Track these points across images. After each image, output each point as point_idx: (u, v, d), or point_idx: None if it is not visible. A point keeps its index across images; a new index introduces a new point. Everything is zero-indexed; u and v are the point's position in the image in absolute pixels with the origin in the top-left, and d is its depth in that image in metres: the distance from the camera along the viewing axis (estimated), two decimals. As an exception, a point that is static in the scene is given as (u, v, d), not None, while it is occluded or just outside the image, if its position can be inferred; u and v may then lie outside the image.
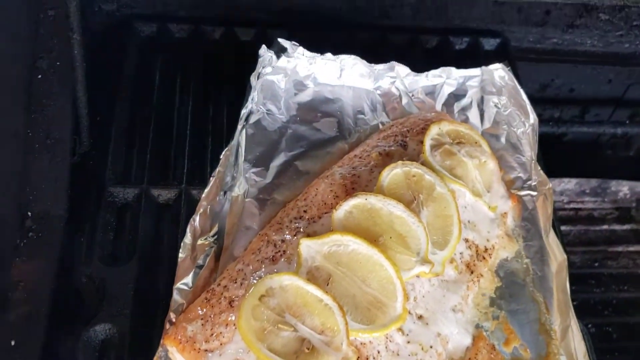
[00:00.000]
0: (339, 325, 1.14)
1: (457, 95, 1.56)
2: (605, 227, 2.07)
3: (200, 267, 1.27)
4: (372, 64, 1.52)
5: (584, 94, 2.00)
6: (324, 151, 1.47)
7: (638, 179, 2.04)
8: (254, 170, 1.40)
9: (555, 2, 1.70)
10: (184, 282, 1.24)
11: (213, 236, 1.32)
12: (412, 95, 1.55)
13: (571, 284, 1.35)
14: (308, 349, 1.12)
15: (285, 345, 1.12)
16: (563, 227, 2.06)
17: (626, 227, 2.07)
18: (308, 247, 1.22)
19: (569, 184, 2.03)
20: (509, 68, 1.52)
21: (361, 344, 1.16)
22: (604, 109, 2.03)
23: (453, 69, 1.56)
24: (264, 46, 1.49)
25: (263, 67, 1.47)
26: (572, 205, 2.10)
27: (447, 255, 1.28)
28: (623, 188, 2.07)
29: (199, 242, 1.29)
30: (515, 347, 1.29)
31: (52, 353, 1.20)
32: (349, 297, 1.18)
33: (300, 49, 1.49)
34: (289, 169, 1.43)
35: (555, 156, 1.85)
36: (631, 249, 2.02)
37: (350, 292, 1.19)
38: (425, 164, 1.36)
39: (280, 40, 1.49)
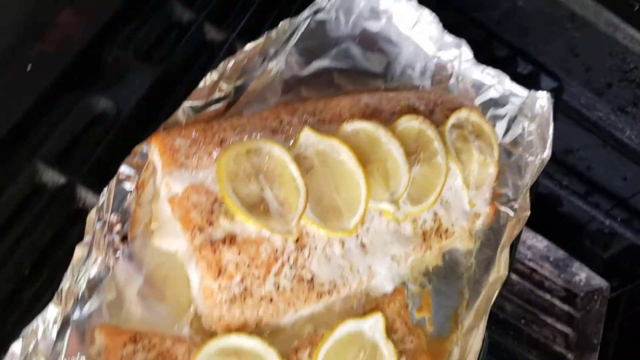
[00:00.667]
0: (298, 205, 1.24)
1: (496, 103, 1.65)
2: (548, 297, 2.17)
3: (215, 102, 1.35)
4: (445, 31, 1.59)
5: (597, 177, 2.09)
6: (362, 79, 1.56)
7: (597, 273, 2.14)
8: (296, 57, 1.49)
9: (621, 79, 1.78)
10: (193, 104, 1.33)
11: (236, 87, 1.40)
12: (460, 80, 1.64)
13: (491, 324, 1.43)
14: (263, 208, 1.22)
15: (247, 196, 1.22)
16: (514, 277, 2.17)
17: (565, 308, 2.17)
18: (308, 136, 1.31)
19: (539, 242, 2.13)
20: (552, 100, 1.61)
21: (305, 232, 1.25)
22: (606, 200, 2.12)
23: (507, 79, 1.64)
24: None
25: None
26: (531, 264, 2.20)
27: (413, 212, 1.37)
28: (582, 274, 2.16)
29: (223, 82, 1.37)
30: (424, 317, 1.39)
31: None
32: (317, 193, 1.27)
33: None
34: (325, 75, 1.52)
35: (543, 210, 1.95)
36: (558, 326, 2.12)
37: (321, 189, 1.28)
38: (440, 134, 1.45)
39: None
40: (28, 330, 1.02)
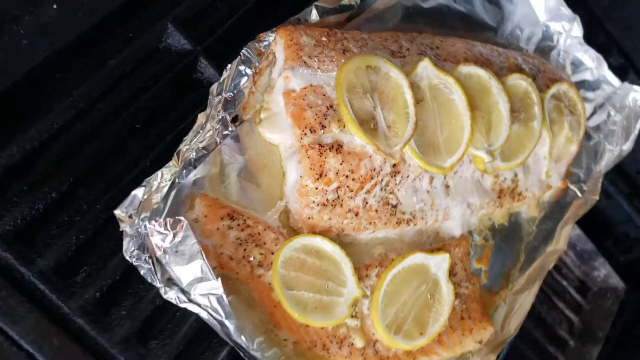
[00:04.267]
0: (405, 132, 1.26)
1: (589, 85, 1.67)
2: (564, 283, 2.24)
3: (341, 9, 1.35)
4: (563, 3, 1.60)
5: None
6: (475, 27, 1.57)
7: (618, 272, 2.21)
8: (423, -10, 1.49)
9: None
10: (322, 5, 1.32)
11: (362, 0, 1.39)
12: (561, 54, 1.65)
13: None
14: (373, 126, 1.24)
15: (360, 109, 1.23)
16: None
17: (577, 297, 2.24)
18: (425, 68, 1.33)
19: (573, 230, 2.18)
20: (642, 94, 1.63)
21: (403, 159, 1.28)
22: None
23: (605, 66, 1.66)
24: None
25: None
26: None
27: (501, 167, 1.41)
28: (602, 271, 2.23)
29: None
30: (482, 268, 1.45)
31: None
32: (423, 125, 1.29)
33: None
34: (444, 13, 1.53)
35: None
36: (567, 312, 2.19)
37: (427, 123, 1.30)
38: (541, 100, 1.47)
39: None
40: (149, 180, 1.05)
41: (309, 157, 1.20)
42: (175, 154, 1.09)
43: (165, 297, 1.06)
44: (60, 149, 1.11)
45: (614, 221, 2.25)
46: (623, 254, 2.34)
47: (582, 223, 2.19)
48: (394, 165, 1.27)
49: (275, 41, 1.27)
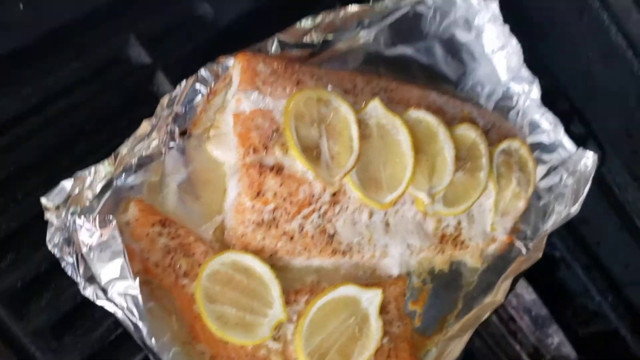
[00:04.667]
0: (347, 164, 1.30)
1: (545, 148, 1.71)
2: (517, 348, 2.24)
3: (302, 45, 1.41)
4: (524, 65, 1.66)
5: (602, 255, 2.14)
6: (436, 79, 1.62)
7: (571, 342, 2.20)
8: (386, 36, 1.54)
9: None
10: (283, 40, 1.38)
11: (325, 40, 1.45)
12: (520, 115, 1.70)
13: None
14: (316, 154, 1.28)
15: (305, 137, 1.28)
16: (492, 318, 2.23)
17: (529, 364, 2.24)
18: (375, 107, 1.38)
19: (528, 294, 2.19)
20: (597, 163, 1.66)
21: (343, 190, 1.31)
22: (603, 279, 2.18)
23: (562, 130, 1.69)
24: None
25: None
26: (512, 312, 2.26)
27: (443, 212, 1.44)
28: (555, 339, 2.23)
29: (316, 31, 1.42)
30: (416, 310, 1.46)
31: None
32: (366, 160, 1.34)
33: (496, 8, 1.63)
34: (405, 62, 1.58)
35: (542, 265, 2.01)
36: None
37: (371, 158, 1.34)
38: (489, 153, 1.51)
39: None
40: (80, 174, 1.08)
41: (248, 176, 1.23)
42: (112, 154, 1.13)
43: (83, 292, 1.08)
44: (5, 141, 1.14)
45: (572, 291, 2.25)
46: (581, 326, 2.33)
47: (540, 288, 2.21)
48: (334, 194, 1.31)
49: (234, 65, 1.32)
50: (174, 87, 1.30)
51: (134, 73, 1.27)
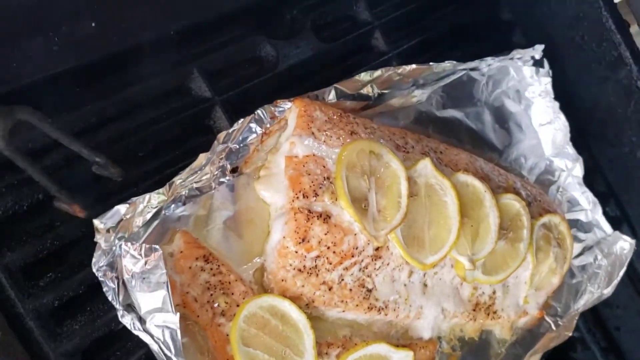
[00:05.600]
0: (394, 221, 1.28)
1: (581, 226, 1.70)
2: None
3: (357, 97, 1.42)
4: (570, 143, 1.67)
5: (621, 341, 2.10)
6: (482, 145, 1.63)
7: None
8: (438, 97, 1.56)
9: None
10: (340, 89, 1.39)
11: (380, 94, 1.46)
12: (560, 190, 1.70)
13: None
14: (364, 206, 1.27)
15: (355, 188, 1.27)
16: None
17: None
18: (425, 166, 1.37)
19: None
20: (634, 250, 1.65)
21: (387, 246, 1.30)
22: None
23: (600, 211, 1.70)
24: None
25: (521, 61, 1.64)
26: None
27: (481, 279, 1.42)
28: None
29: (372, 85, 1.44)
30: (444, 376, 1.42)
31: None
32: (412, 218, 1.32)
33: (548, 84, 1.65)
34: (454, 125, 1.60)
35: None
36: None
37: (416, 217, 1.33)
38: (531, 225, 1.50)
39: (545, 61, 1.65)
40: (134, 200, 1.07)
41: (296, 220, 1.22)
42: (167, 184, 1.12)
43: (121, 320, 1.05)
44: (59, 157, 1.14)
45: (586, 373, 2.20)
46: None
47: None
48: (377, 249, 1.29)
49: (290, 109, 1.33)
50: (230, 122, 1.31)
51: (193, 105, 1.27)
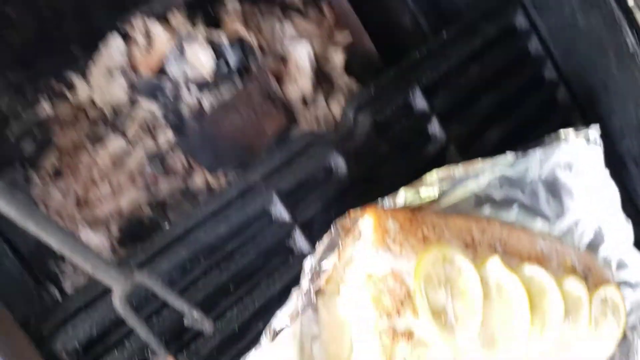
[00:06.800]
0: (470, 326, 1.34)
1: (629, 284, 1.76)
2: None
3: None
4: (619, 209, 1.71)
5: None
6: (534, 214, 1.67)
7: None
8: (495, 181, 1.59)
9: None
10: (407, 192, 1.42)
11: (443, 190, 1.49)
12: (609, 254, 1.75)
13: None
14: (443, 319, 1.32)
15: (433, 300, 1.31)
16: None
17: None
18: (495, 264, 1.42)
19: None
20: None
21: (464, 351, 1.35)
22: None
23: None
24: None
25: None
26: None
27: (548, 366, 1.48)
28: None
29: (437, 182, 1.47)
30: None
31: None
32: (485, 320, 1.37)
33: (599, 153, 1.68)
34: (509, 204, 1.63)
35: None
36: None
37: (489, 318, 1.38)
38: (589, 303, 1.56)
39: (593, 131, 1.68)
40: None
41: (382, 343, 1.27)
42: (269, 330, 1.16)
43: None
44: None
45: None
46: None
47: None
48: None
49: (363, 219, 1.36)
50: (310, 241, 1.34)
51: (274, 231, 1.31)
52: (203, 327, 1.12)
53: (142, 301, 1.15)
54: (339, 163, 1.40)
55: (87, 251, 0.89)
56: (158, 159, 1.72)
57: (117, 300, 0.98)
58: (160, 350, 1.09)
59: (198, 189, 1.69)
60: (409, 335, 1.29)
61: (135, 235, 1.65)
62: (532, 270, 1.47)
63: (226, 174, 1.67)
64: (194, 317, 1.10)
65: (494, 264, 1.42)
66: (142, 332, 1.08)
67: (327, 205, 1.36)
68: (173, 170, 1.72)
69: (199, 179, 1.72)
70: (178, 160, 1.72)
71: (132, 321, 1.05)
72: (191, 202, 1.65)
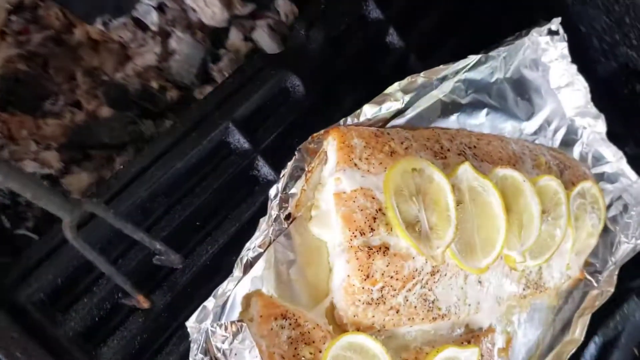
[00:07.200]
0: (446, 234, 1.32)
1: (607, 177, 1.75)
2: None
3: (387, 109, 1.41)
4: (590, 102, 1.68)
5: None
6: (504, 116, 1.64)
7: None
8: (461, 85, 1.55)
9: None
10: (371, 107, 1.39)
11: (408, 100, 1.45)
12: (584, 147, 1.73)
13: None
14: (417, 229, 1.30)
15: (405, 212, 1.30)
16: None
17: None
18: (465, 171, 1.39)
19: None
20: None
21: (444, 261, 1.35)
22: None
23: (624, 160, 1.74)
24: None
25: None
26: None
27: (530, 265, 1.48)
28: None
29: (400, 93, 1.43)
30: (503, 357, 1.52)
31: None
32: (462, 227, 1.36)
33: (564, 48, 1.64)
34: (479, 108, 1.60)
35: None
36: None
37: (465, 224, 1.37)
38: (567, 199, 1.55)
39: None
40: (218, 292, 1.10)
41: (357, 259, 1.26)
42: (239, 261, 1.14)
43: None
44: (119, 249, 1.15)
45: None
46: None
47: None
48: (435, 265, 1.34)
49: (328, 141, 1.33)
50: (274, 169, 1.31)
51: (236, 162, 1.27)
52: (172, 262, 1.10)
53: (106, 244, 1.12)
54: (295, 83, 1.35)
55: (30, 180, 0.86)
56: (28, 11, 1.59)
57: (68, 231, 0.95)
58: (127, 285, 1.06)
59: (79, 42, 1.55)
60: (385, 250, 1.28)
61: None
62: (505, 172, 1.45)
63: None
64: (158, 249, 1.07)
65: (465, 171, 1.39)
66: (102, 265, 1.05)
67: (288, 129, 1.32)
68: (47, 23, 1.61)
69: (80, 32, 1.59)
70: (52, 13, 1.59)
71: (88, 253, 1.02)
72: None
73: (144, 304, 1.10)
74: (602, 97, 1.71)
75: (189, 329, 1.08)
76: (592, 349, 1.60)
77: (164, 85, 1.51)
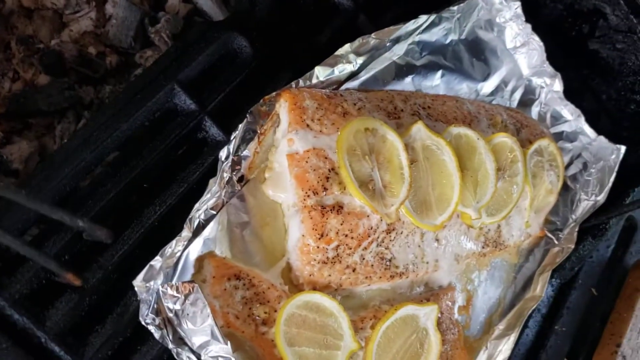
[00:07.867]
0: (400, 192, 1.33)
1: (566, 136, 1.76)
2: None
3: (340, 71, 1.41)
4: (546, 62, 1.69)
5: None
6: (463, 81, 1.65)
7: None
8: (415, 47, 1.56)
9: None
10: (324, 69, 1.39)
11: (361, 62, 1.46)
12: (542, 107, 1.75)
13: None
14: (371, 187, 1.31)
15: (359, 171, 1.30)
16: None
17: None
18: (419, 130, 1.40)
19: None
20: (623, 154, 1.73)
21: (398, 218, 1.35)
22: None
23: (582, 119, 1.75)
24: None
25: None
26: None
27: (487, 222, 1.49)
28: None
29: (353, 55, 1.43)
30: (464, 315, 1.53)
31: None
32: (416, 185, 1.37)
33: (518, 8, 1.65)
34: (434, 69, 1.60)
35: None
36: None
37: (419, 183, 1.38)
38: (524, 157, 1.56)
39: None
40: (166, 251, 1.10)
41: (311, 218, 1.26)
42: (187, 221, 1.14)
43: (177, 358, 1.12)
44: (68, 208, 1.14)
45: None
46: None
47: None
48: (390, 222, 1.34)
49: (280, 103, 1.33)
50: (223, 130, 1.31)
51: (183, 123, 1.27)
52: (99, 238, 1.08)
53: (26, 225, 1.11)
54: (243, 44, 1.35)
55: None
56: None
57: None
58: (52, 265, 1.04)
59: (11, 10, 1.51)
60: (338, 208, 1.28)
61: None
62: (458, 130, 1.46)
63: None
64: (82, 227, 1.05)
65: (419, 130, 1.40)
66: (20, 248, 1.03)
67: (236, 91, 1.32)
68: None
69: (11, 0, 1.55)
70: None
71: (3, 238, 1.00)
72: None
73: (75, 281, 1.08)
74: (555, 53, 1.72)
75: (136, 289, 1.08)
76: (549, 290, 1.62)
77: (103, 51, 1.50)
